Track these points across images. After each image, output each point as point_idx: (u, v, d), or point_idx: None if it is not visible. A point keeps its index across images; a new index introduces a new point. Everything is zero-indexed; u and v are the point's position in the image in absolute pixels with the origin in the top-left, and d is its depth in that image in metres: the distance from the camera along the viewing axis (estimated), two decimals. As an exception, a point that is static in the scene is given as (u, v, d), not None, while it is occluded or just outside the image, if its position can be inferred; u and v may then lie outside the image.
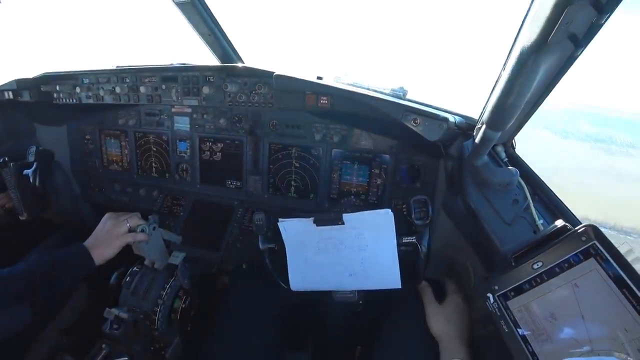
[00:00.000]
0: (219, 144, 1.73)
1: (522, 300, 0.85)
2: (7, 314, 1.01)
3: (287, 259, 1.19)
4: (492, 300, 0.90)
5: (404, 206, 1.36)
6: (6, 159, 1.62)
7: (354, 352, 1.49)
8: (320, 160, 1.59)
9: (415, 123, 1.11)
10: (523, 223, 0.99)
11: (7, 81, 1.69)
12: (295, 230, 1.13)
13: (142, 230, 1.32)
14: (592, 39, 0.70)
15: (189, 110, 1.72)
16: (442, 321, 1.11)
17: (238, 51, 1.82)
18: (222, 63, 1.88)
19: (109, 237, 1.24)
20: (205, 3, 1.60)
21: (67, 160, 2.02)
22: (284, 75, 1.32)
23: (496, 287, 0.89)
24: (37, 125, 1.95)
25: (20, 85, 1.68)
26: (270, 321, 1.30)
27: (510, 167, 1.04)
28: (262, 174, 1.68)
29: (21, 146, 1.80)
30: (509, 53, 0.82)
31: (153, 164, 1.87)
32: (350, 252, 1.13)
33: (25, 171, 1.62)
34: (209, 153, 1.75)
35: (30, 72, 1.71)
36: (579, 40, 0.70)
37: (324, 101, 1.30)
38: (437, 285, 1.18)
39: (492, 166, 1.05)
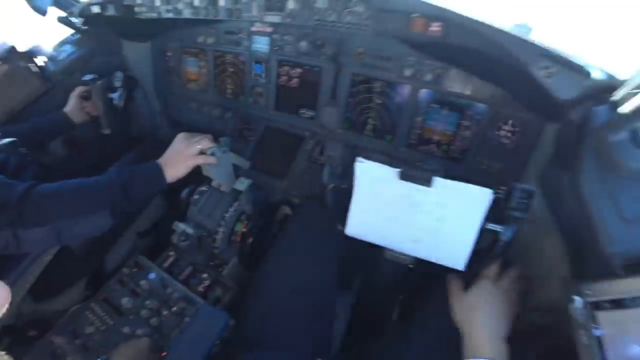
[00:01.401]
0: (297, 69, 1.60)
1: (619, 317, 0.70)
2: (90, 217, 1.14)
3: (352, 201, 1.12)
4: (578, 304, 0.76)
5: (501, 189, 1.14)
6: (96, 76, 1.74)
7: (395, 305, 1.47)
8: (406, 99, 1.41)
9: (548, 73, 0.88)
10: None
11: None
12: (372, 175, 1.04)
13: (213, 154, 1.33)
14: None
15: (270, 29, 1.58)
16: (465, 308, 0.98)
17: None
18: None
19: (180, 157, 1.28)
20: None
21: (150, 78, 2.06)
22: None
23: (589, 292, 0.75)
24: (123, 42, 1.97)
25: None
26: (325, 257, 1.30)
27: None
28: (338, 106, 1.55)
29: (110, 62, 1.95)
30: None
31: (228, 85, 1.83)
32: (425, 219, 1.02)
33: (111, 95, 1.77)
34: (285, 78, 1.64)
35: None
36: None
37: (436, 28, 1.06)
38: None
39: (629, 146, 0.81)
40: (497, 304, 0.96)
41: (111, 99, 1.78)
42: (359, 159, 1.04)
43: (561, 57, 0.87)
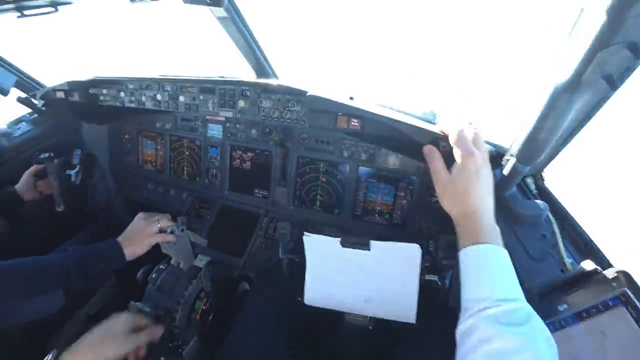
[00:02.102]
0: (249, 153, 1.78)
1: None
2: (43, 297, 1.11)
3: (306, 273, 1.21)
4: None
5: (430, 242, 1.34)
6: (52, 154, 1.77)
7: None
8: (347, 176, 1.61)
9: (444, 150, 1.11)
10: (550, 260, 0.96)
11: (60, 82, 1.84)
12: (319, 247, 1.15)
13: (172, 232, 1.39)
14: (626, 79, 0.69)
15: (223, 118, 1.78)
16: (456, 192, 0.92)
17: (272, 65, 1.88)
18: (257, 74, 1.94)
19: (140, 235, 1.33)
20: (243, 18, 1.67)
21: (106, 157, 2.16)
22: (317, 96, 1.34)
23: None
24: (83, 123, 2.11)
25: (72, 86, 1.82)
26: (285, 331, 1.32)
27: (539, 201, 1.02)
28: (289, 185, 1.71)
29: (67, 141, 2.04)
30: (543, 88, 0.81)
31: (185, 167, 1.95)
32: (371, 279, 1.13)
33: (68, 171, 1.78)
34: (239, 161, 1.80)
35: (82, 74, 1.86)
36: (614, 81, 0.69)
37: (355, 123, 1.31)
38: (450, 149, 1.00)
39: (520, 198, 1.03)
40: (485, 183, 0.92)
41: (68, 176, 1.79)
42: (306, 233, 1.16)
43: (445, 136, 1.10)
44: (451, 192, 0.93)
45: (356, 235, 1.59)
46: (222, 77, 1.65)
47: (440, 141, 1.11)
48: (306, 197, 1.71)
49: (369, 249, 1.09)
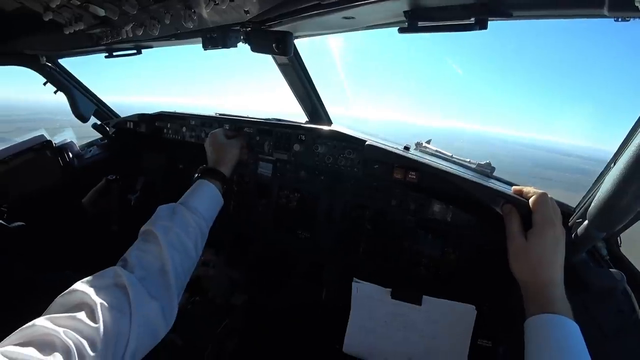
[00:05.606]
0: (296, 194, 1.79)
1: None
2: None
3: (349, 320, 1.17)
4: None
5: (485, 305, 1.25)
6: (118, 177, 1.98)
7: None
8: (394, 225, 1.57)
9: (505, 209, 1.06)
10: (630, 340, 0.86)
11: (131, 114, 2.11)
12: (367, 295, 1.12)
13: (213, 267, 1.40)
14: None
15: (274, 158, 1.83)
16: (531, 260, 0.88)
17: (327, 110, 1.94)
18: (309, 117, 2.01)
19: None
20: (304, 65, 1.76)
21: (161, 183, 2.28)
22: (375, 146, 1.36)
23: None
24: (144, 152, 2.31)
25: (141, 118, 2.05)
26: None
27: (614, 270, 0.93)
28: (333, 229, 1.70)
29: (130, 167, 2.25)
30: (623, 146, 0.76)
31: (232, 201, 1.99)
32: (418, 336, 1.07)
33: (129, 195, 1.99)
34: (285, 200, 1.82)
35: (150, 109, 2.10)
36: None
37: (412, 176, 1.31)
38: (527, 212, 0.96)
39: (591, 265, 0.95)
40: (561, 254, 0.87)
41: (129, 200, 1.98)
42: (355, 279, 1.13)
43: (512, 196, 1.05)
44: (525, 258, 0.90)
45: (402, 287, 1.52)
46: (280, 120, 1.72)
47: (500, 199, 1.06)
48: (350, 243, 1.67)
49: (419, 304, 1.04)
